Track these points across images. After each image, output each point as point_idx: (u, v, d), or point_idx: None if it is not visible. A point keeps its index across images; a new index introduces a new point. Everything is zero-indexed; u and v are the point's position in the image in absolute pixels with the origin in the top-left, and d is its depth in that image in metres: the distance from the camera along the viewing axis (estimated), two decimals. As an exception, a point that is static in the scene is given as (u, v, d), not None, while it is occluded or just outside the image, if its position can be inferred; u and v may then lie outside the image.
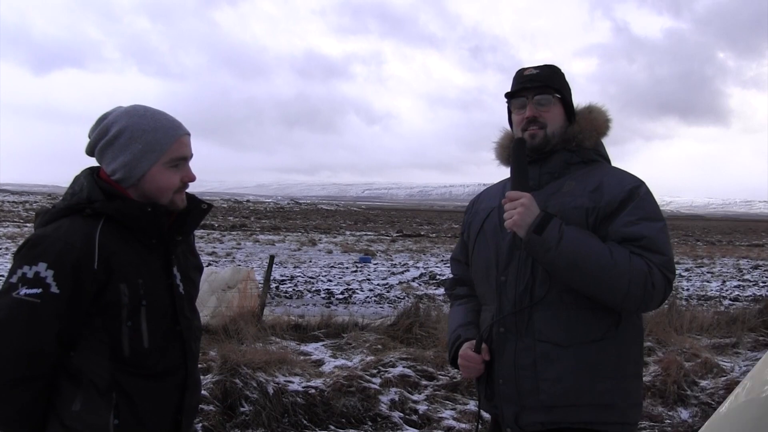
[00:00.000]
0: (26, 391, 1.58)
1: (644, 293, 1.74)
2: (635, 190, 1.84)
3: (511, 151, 1.92)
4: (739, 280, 17.93)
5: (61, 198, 1.74)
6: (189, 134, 1.76)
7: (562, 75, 2.01)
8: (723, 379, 5.22)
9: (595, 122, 1.98)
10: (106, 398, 1.62)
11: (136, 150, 1.67)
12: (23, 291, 1.55)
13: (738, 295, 14.53)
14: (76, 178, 1.74)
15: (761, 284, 17.14)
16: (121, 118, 1.69)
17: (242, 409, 4.21)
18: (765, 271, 21.18)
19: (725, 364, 5.67)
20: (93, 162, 1.77)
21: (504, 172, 2.08)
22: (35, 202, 61.89)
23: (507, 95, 1.99)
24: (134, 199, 1.69)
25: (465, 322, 2.07)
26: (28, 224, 33.61)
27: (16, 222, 35.51)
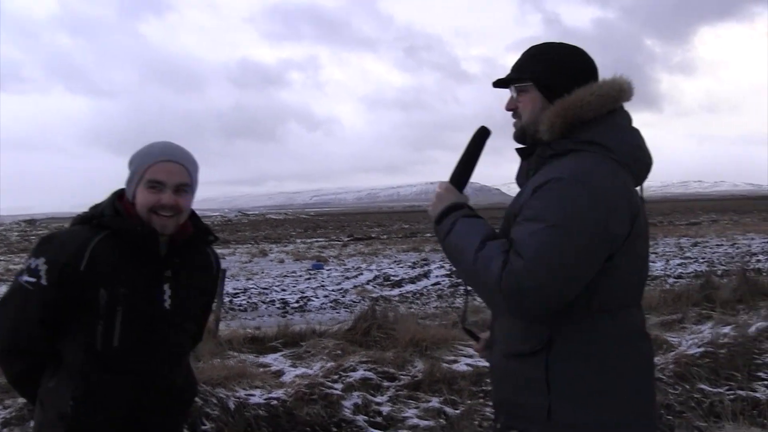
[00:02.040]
0: (18, 362, 1.96)
1: (492, 298, 1.64)
2: (539, 186, 1.65)
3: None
4: (681, 258, 18.63)
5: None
6: (177, 162, 1.95)
7: (546, 56, 1.80)
8: (672, 354, 5.42)
9: (561, 107, 1.71)
10: (72, 381, 1.90)
11: (131, 170, 1.97)
12: (24, 277, 1.89)
13: (681, 272, 15.13)
14: (107, 197, 2.02)
15: (701, 260, 17.85)
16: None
17: (204, 427, 4.14)
18: (704, 247, 22.05)
19: (673, 339, 5.90)
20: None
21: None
22: (-30, 232, 59.19)
23: (494, 85, 1.89)
24: (129, 217, 1.94)
25: None
26: (-38, 256, 32.13)
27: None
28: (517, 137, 1.85)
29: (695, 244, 23.37)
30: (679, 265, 16.96)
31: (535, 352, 1.69)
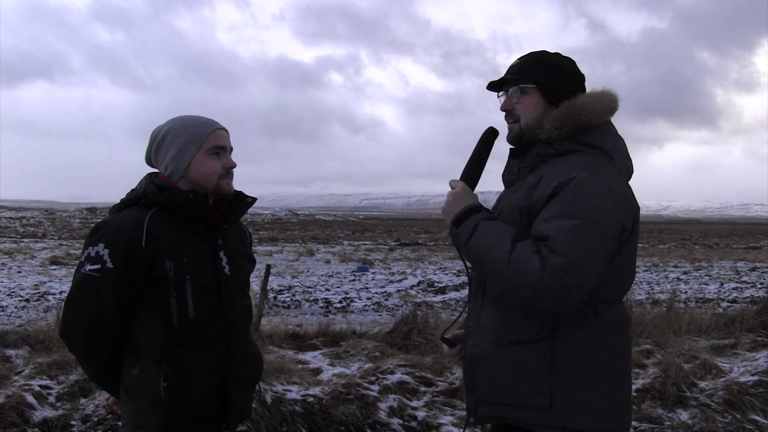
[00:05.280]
0: (100, 353, 1.96)
1: (533, 295, 1.65)
2: (562, 184, 1.71)
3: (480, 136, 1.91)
4: (737, 282, 17.95)
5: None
6: (225, 129, 2.06)
7: (547, 62, 1.90)
8: (722, 379, 5.21)
9: (570, 109, 1.82)
10: (158, 365, 1.91)
11: (181, 143, 1.98)
12: (87, 267, 1.90)
13: (736, 296, 14.57)
14: (140, 181, 2.06)
15: (759, 286, 17.16)
16: (167, 124, 2.04)
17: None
18: (763, 272, 21.19)
19: (724, 365, 5.67)
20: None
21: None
22: (32, 217, 61.73)
23: (488, 88, 1.97)
24: (179, 189, 1.98)
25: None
26: (24, 239, 33.52)
27: (12, 237, 35.42)
28: (515, 138, 1.91)
29: (754, 269, 22.43)
30: (734, 289, 16.34)
31: (540, 339, 1.75)
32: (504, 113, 1.94)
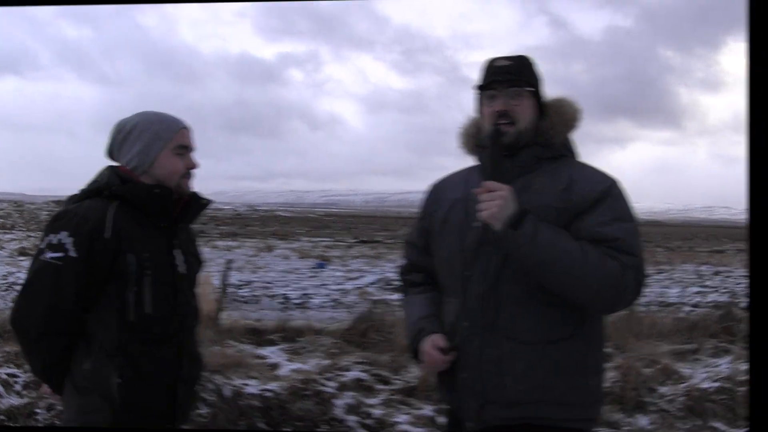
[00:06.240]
0: (52, 346, 1.89)
1: (615, 295, 1.76)
2: (608, 189, 1.82)
3: (489, 141, 1.88)
4: (699, 287, 17.56)
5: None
6: (189, 128, 2.05)
7: (535, 67, 1.95)
8: (683, 385, 5.19)
9: (564, 116, 1.93)
10: (113, 360, 1.86)
11: (147, 138, 1.96)
12: (48, 255, 1.84)
13: (699, 301, 14.18)
14: (100, 172, 2.01)
15: (722, 290, 16.61)
16: (133, 118, 2.01)
17: (199, 411, 4.21)
18: (726, 277, 20.53)
19: (685, 370, 5.62)
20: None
21: (467, 162, 2.05)
22: (1, 209, 59.67)
23: (478, 88, 1.95)
24: (144, 182, 1.95)
25: (428, 313, 2.03)
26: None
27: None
28: (512, 141, 1.88)
29: (717, 273, 21.57)
30: (696, 293, 15.76)
31: (574, 336, 1.84)
32: (497, 115, 1.88)
